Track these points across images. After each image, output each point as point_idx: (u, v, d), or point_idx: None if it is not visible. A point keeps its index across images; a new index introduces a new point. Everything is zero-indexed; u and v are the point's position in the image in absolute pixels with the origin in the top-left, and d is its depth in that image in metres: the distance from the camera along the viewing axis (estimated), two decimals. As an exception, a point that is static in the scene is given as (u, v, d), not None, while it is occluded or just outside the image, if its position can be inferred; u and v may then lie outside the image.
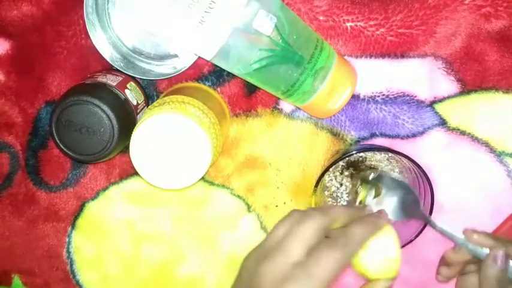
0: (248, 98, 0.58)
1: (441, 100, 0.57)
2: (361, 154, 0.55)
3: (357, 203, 0.54)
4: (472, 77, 0.56)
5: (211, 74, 0.57)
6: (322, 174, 0.53)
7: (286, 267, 0.37)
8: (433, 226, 0.49)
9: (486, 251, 0.46)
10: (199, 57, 0.52)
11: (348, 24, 0.55)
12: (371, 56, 0.56)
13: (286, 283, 0.36)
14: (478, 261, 0.47)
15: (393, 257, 0.43)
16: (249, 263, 0.40)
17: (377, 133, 0.58)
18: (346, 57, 0.56)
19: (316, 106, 0.52)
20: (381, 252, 0.42)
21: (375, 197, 0.54)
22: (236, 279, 0.41)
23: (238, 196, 0.60)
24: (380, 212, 0.47)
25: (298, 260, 0.38)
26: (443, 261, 0.50)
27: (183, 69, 0.54)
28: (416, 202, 0.52)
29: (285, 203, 0.60)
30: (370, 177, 0.54)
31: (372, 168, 0.55)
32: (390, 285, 0.43)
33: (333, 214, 0.41)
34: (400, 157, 0.53)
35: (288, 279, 0.37)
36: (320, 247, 0.38)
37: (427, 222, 0.51)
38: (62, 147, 0.50)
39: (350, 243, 0.39)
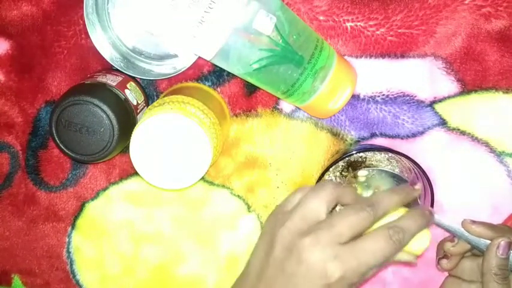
0: (248, 98, 0.58)
1: (441, 100, 0.57)
2: (361, 154, 0.55)
3: None
4: (472, 77, 0.56)
5: (211, 74, 0.57)
6: (322, 174, 0.53)
7: (337, 248, 0.39)
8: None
9: (485, 241, 0.46)
10: (199, 57, 0.52)
11: (348, 24, 0.55)
12: (371, 56, 0.56)
13: (335, 264, 0.38)
14: (475, 248, 0.47)
15: (423, 241, 0.44)
16: (285, 232, 0.41)
17: (377, 133, 0.58)
18: (346, 57, 0.56)
19: (316, 106, 0.52)
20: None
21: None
22: (263, 243, 0.43)
23: (238, 196, 0.60)
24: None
25: (346, 241, 0.39)
26: (442, 253, 0.50)
27: (183, 69, 0.54)
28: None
29: (285, 203, 0.60)
30: (363, 175, 0.54)
31: (368, 166, 0.55)
32: (413, 262, 0.44)
33: (382, 206, 0.42)
34: (400, 157, 0.53)
35: (338, 261, 0.38)
36: (375, 237, 0.40)
37: None
38: (62, 147, 0.50)
39: (405, 239, 0.41)
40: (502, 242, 0.45)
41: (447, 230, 0.48)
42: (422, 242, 0.44)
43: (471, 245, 0.47)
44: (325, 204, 0.41)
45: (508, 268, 0.45)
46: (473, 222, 0.47)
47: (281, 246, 0.40)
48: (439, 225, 0.48)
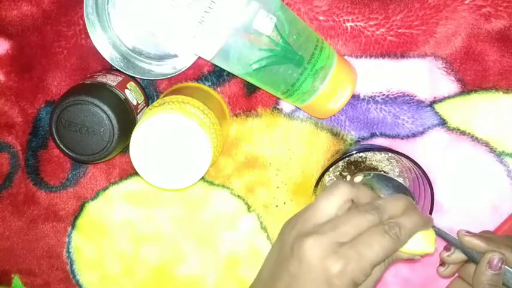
0: (248, 98, 0.58)
1: (441, 100, 0.57)
2: (361, 154, 0.55)
3: None
4: (472, 77, 0.56)
5: (211, 74, 0.58)
6: (322, 174, 0.53)
7: (337, 246, 0.38)
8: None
9: (480, 253, 0.45)
10: (199, 57, 0.52)
11: (348, 24, 0.55)
12: (371, 56, 0.56)
13: (334, 259, 0.38)
14: (471, 260, 0.46)
15: (426, 245, 0.43)
16: (293, 233, 0.40)
17: (377, 133, 0.58)
18: (346, 57, 0.56)
19: (316, 106, 0.52)
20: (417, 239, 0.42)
21: None
22: (276, 246, 0.42)
23: (238, 196, 0.60)
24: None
25: (348, 241, 0.39)
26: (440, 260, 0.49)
27: (183, 69, 0.54)
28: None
29: (285, 203, 0.60)
30: (360, 179, 0.54)
31: (370, 169, 0.55)
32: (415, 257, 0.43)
33: (388, 209, 0.41)
34: (400, 157, 0.53)
35: (338, 256, 0.38)
36: (373, 233, 0.39)
37: None
38: (62, 147, 0.50)
39: (402, 235, 0.40)
40: (494, 257, 0.44)
41: (444, 238, 0.47)
42: (426, 245, 0.42)
43: (466, 256, 0.46)
44: (335, 205, 0.41)
45: (500, 284, 0.44)
46: (468, 233, 0.46)
47: (288, 248, 0.40)
48: (436, 233, 0.47)
